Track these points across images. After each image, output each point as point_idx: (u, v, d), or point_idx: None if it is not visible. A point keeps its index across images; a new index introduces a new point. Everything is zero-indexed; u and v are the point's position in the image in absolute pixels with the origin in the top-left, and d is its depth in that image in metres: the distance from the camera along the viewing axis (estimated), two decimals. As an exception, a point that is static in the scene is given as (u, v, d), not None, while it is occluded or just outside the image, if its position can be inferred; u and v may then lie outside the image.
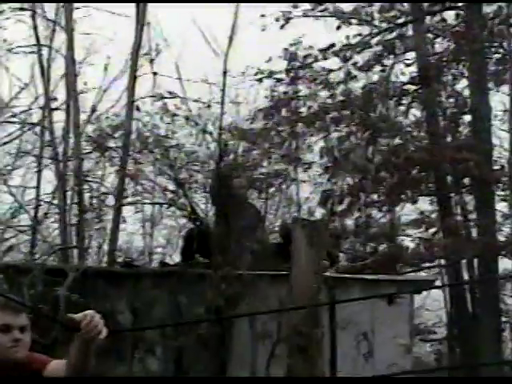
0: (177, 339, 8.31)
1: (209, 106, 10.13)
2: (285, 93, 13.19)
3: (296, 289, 7.78)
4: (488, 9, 13.45)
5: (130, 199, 10.72)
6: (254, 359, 8.50)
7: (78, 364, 3.69)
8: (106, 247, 11.00)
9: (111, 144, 10.92)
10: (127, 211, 11.09)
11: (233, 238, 8.96)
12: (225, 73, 10.01)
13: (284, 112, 13.00)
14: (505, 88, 14.09)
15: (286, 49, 13.16)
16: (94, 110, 11.36)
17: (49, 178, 11.34)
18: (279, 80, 13.15)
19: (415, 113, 13.55)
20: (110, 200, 10.77)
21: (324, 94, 13.08)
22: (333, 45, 13.21)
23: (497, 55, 13.70)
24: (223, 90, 9.87)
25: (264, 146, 11.65)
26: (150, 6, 10.90)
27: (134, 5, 10.90)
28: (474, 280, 13.64)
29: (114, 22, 11.19)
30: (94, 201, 10.78)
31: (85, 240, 10.52)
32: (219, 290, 8.38)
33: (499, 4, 13.33)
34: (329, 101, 13.05)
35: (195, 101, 10.25)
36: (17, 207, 11.16)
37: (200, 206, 9.80)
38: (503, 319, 14.17)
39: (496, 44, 13.66)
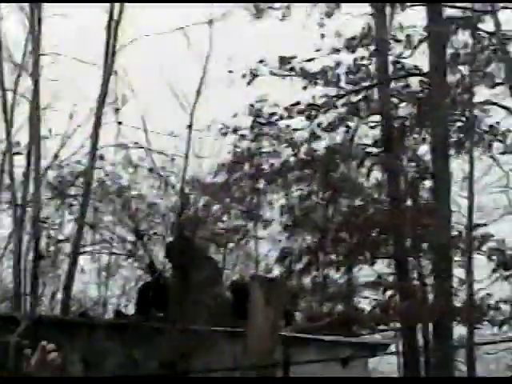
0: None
1: (173, 159, 10.10)
2: (248, 149, 13.23)
3: (252, 346, 7.70)
4: (451, 77, 13.70)
5: (87, 248, 10.58)
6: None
7: None
8: (59, 295, 10.80)
9: (72, 191, 10.79)
10: (84, 260, 10.95)
11: (190, 291, 8.87)
12: (190, 126, 10.02)
13: (247, 167, 13.03)
14: (465, 156, 14.34)
15: (251, 105, 13.25)
16: (56, 156, 11.24)
17: (5, 222, 11.17)
18: (243, 136, 13.21)
19: (377, 175, 13.66)
20: (67, 248, 10.62)
21: (287, 152, 13.17)
22: (298, 103, 13.33)
23: (459, 123, 13.92)
24: (188, 144, 9.87)
25: (225, 200, 11.62)
26: (119, 56, 10.91)
27: (102, 53, 10.91)
28: (427, 347, 13.64)
29: (81, 69, 11.16)
30: (51, 248, 10.60)
31: (39, 287, 10.31)
32: (174, 345, 8.27)
33: (462, 73, 13.61)
34: (292, 159, 13.12)
35: (159, 153, 10.21)
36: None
37: (158, 259, 9.70)
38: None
39: (458, 112, 13.90)
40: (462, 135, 13.77)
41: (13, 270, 10.48)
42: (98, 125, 10.77)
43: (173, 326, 8.40)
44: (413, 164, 13.68)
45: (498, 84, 13.78)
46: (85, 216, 10.30)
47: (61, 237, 10.74)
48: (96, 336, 8.57)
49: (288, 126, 13.34)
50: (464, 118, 13.94)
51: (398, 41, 13.81)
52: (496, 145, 14.09)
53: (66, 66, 11.14)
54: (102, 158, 10.53)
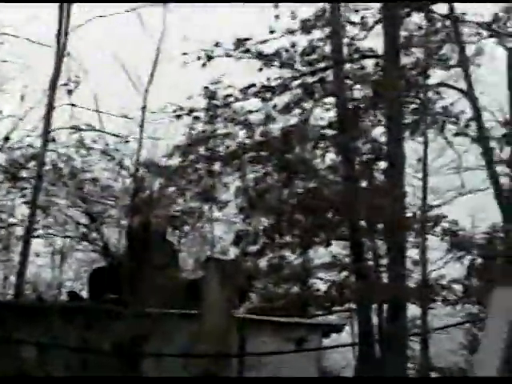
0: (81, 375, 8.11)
1: (127, 141, 10.02)
2: (203, 131, 13.19)
3: (206, 328, 7.71)
4: (405, 59, 13.78)
5: (40, 231, 10.47)
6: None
7: None
8: (13, 279, 10.67)
9: (24, 174, 10.66)
10: (37, 243, 10.82)
11: (145, 274, 8.83)
12: (143, 108, 9.96)
13: (202, 149, 13.00)
14: (419, 137, 14.45)
15: (206, 87, 13.19)
16: (7, 138, 11.10)
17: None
18: (197, 118, 13.15)
19: (332, 157, 13.71)
20: (20, 231, 10.50)
21: (242, 133, 13.16)
22: (253, 85, 13.32)
23: (413, 105, 14.01)
24: (141, 126, 9.80)
25: (180, 183, 11.57)
26: (72, 37, 10.80)
27: (54, 33, 10.79)
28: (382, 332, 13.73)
29: (32, 49, 11.02)
30: (2, 232, 10.47)
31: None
32: (128, 328, 8.23)
33: (416, 55, 13.70)
34: (247, 141, 13.11)
35: (113, 135, 10.13)
36: None
37: (112, 241, 9.64)
38: (409, 364, 14.34)
39: (412, 94, 13.99)
40: (416, 117, 13.86)
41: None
42: (50, 107, 10.67)
43: (127, 309, 8.36)
44: (367, 146, 13.76)
45: (452, 66, 13.90)
46: (37, 199, 10.19)
47: (13, 220, 10.62)
48: (50, 319, 8.50)
49: (243, 108, 13.34)
50: (418, 100, 14.04)
51: (352, 23, 13.84)
52: (449, 127, 14.23)
53: (18, 48, 11.01)
54: (54, 140, 10.42)
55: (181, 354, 7.70)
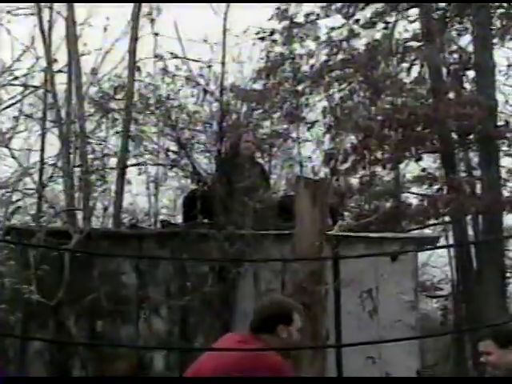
0: (181, 299, 8.35)
1: (209, 66, 10.02)
2: (290, 51, 13.10)
3: (299, 247, 7.78)
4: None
5: (133, 161, 10.68)
6: (258, 318, 8.51)
7: None
8: (111, 209, 10.95)
9: (113, 106, 10.84)
10: (131, 173, 11.06)
11: (236, 197, 8.96)
12: (224, 31, 9.92)
13: (286, 70, 12.94)
14: (509, 43, 14.02)
15: (277, 8, 13.08)
16: (95, 71, 11.30)
17: (52, 140, 11.31)
18: (275, 41, 13.07)
19: (418, 69, 13.48)
20: (113, 162, 10.73)
21: (326, 52, 13.03)
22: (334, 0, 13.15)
23: (500, 9, 13.59)
24: (223, 49, 9.79)
25: (265, 105, 11.56)
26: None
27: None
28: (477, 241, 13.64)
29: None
30: (97, 162, 10.71)
31: (90, 202, 10.47)
32: (223, 250, 8.40)
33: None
34: (332, 59, 13.00)
35: (195, 60, 10.14)
36: (22, 170, 11.12)
37: (202, 167, 9.77)
38: (507, 274, 14.25)
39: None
40: (504, 22, 13.45)
41: (63, 186, 10.67)
42: (134, 37, 10.78)
43: (220, 232, 8.52)
44: (455, 55, 13.46)
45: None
46: (128, 129, 10.37)
47: (106, 151, 10.85)
48: (147, 246, 8.75)
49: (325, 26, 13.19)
50: (506, 4, 13.59)
51: None
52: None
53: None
54: (139, 69, 10.54)
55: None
